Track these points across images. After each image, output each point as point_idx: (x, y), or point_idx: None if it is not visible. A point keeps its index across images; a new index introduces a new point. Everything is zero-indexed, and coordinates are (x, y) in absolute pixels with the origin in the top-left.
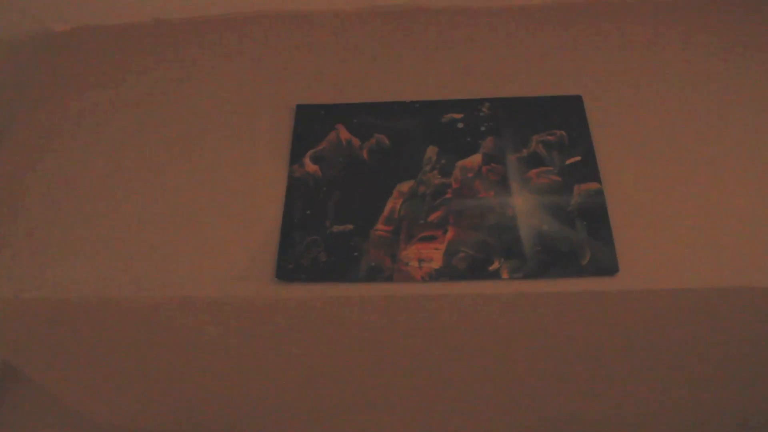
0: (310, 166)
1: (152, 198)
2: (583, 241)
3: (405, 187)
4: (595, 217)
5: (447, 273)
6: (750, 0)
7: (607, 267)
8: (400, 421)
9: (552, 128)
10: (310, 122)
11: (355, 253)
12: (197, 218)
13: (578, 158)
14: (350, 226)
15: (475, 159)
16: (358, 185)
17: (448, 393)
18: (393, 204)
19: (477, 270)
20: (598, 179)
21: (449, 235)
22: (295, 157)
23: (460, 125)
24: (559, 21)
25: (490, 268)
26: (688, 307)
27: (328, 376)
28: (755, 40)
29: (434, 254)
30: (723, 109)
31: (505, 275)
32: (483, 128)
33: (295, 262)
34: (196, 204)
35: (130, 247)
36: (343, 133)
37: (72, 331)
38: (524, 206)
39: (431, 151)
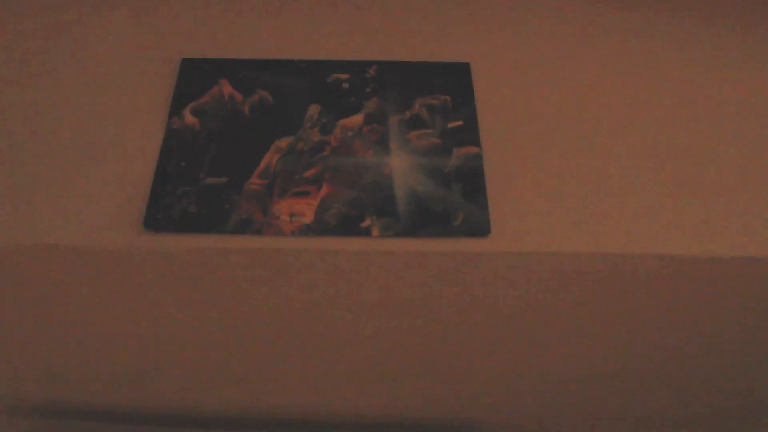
0: (190, 119)
1: (19, 140)
2: (457, 203)
3: (283, 143)
4: (471, 180)
5: (317, 228)
6: None
7: (479, 229)
8: (265, 381)
9: (437, 93)
10: (194, 76)
11: (227, 206)
12: (66, 165)
13: (460, 123)
14: (224, 179)
15: (357, 119)
16: (237, 139)
17: (315, 350)
18: (269, 158)
19: (348, 226)
20: (477, 143)
21: (323, 191)
22: (175, 109)
23: (345, 86)
24: None
25: (362, 225)
26: (559, 271)
27: (196, 330)
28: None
29: (306, 209)
30: (607, 81)
31: (375, 233)
32: (368, 89)
33: (164, 212)
34: (65, 151)
35: None
36: (226, 88)
37: None
38: (401, 166)
39: (313, 110)
